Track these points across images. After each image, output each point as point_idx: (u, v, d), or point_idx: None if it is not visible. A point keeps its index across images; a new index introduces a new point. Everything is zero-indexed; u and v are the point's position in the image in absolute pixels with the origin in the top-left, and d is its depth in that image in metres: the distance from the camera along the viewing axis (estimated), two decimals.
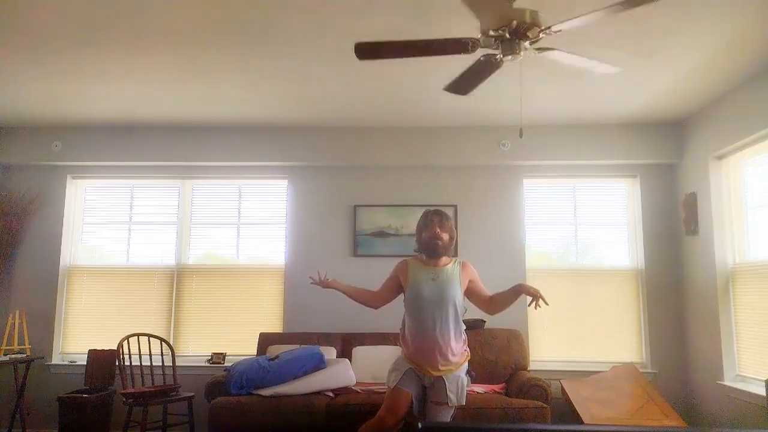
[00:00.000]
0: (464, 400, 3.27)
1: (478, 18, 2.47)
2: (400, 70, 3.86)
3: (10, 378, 4.98)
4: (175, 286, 5.23)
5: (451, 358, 3.22)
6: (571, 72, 3.89)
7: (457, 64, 2.98)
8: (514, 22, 2.48)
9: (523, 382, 4.19)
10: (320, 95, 4.38)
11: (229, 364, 4.86)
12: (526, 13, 2.50)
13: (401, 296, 3.47)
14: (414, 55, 2.52)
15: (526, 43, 2.60)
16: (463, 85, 3.08)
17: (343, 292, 3.47)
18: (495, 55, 2.73)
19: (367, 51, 2.65)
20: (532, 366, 4.96)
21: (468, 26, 3.17)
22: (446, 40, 2.48)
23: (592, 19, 2.45)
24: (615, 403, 4.33)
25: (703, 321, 4.62)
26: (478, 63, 2.82)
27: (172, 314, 5.20)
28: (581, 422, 4.19)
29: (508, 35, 2.54)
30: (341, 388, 4.33)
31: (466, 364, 3.33)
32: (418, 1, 2.96)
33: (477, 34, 2.58)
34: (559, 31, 2.56)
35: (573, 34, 3.30)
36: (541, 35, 2.60)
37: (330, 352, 4.71)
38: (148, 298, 5.23)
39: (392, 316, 5.11)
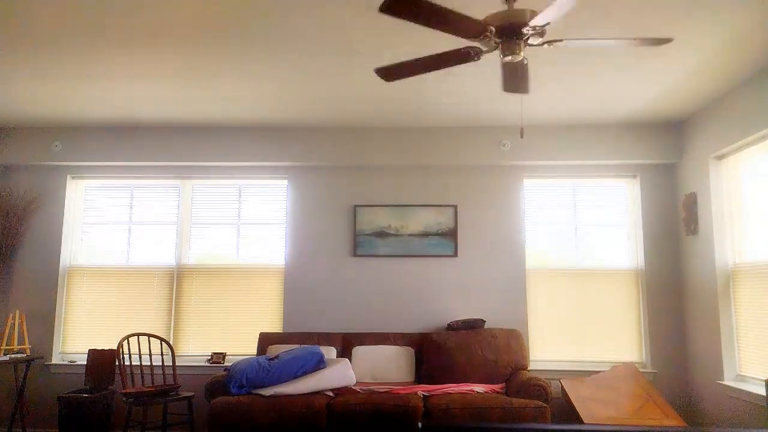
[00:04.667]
0: None
1: (456, 35, 2.52)
2: None
3: (10, 378, 4.99)
4: (175, 286, 5.23)
5: None
6: (571, 72, 3.90)
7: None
8: (511, 23, 2.49)
9: (523, 382, 4.19)
10: (320, 95, 4.38)
11: (229, 364, 4.87)
12: (526, 13, 2.50)
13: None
14: (429, 21, 2.51)
15: (531, 40, 2.61)
16: (400, 71, 2.93)
17: None
18: (480, 50, 2.73)
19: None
20: (532, 366, 4.98)
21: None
22: (465, 17, 2.48)
23: (593, 44, 2.47)
24: (615, 403, 4.33)
25: (703, 321, 4.62)
26: (455, 51, 2.80)
27: (172, 314, 5.20)
28: (581, 422, 4.19)
29: (526, 36, 2.54)
30: (341, 388, 4.33)
31: None
32: None
33: (477, 34, 2.58)
34: (561, 40, 2.57)
35: (574, 35, 3.31)
36: (545, 45, 2.62)
37: (330, 352, 4.72)
38: (148, 298, 5.23)
39: (392, 316, 5.14)
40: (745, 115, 4.03)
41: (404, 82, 4.10)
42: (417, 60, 2.82)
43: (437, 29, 2.49)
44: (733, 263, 4.37)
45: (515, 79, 3.01)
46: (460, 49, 2.74)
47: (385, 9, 2.33)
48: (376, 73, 2.92)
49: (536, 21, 2.45)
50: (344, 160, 5.18)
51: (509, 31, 2.55)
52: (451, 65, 2.84)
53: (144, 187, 5.41)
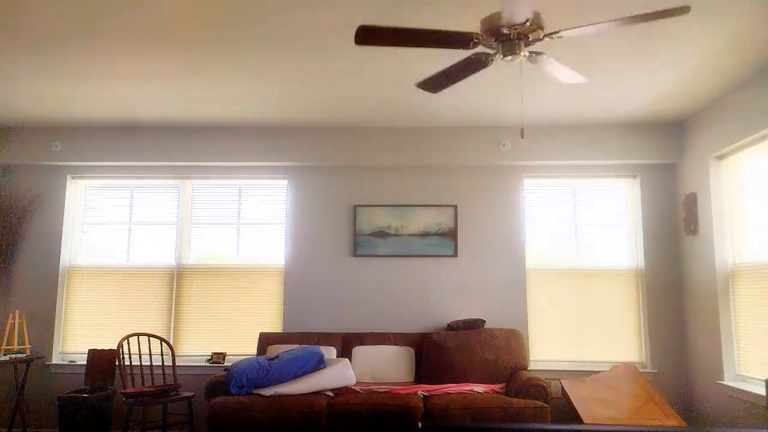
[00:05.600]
0: None
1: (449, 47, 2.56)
2: (401, 70, 3.86)
3: (10, 378, 4.99)
4: (175, 286, 5.23)
5: None
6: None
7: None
8: (516, 25, 2.49)
9: (523, 382, 4.19)
10: (320, 95, 4.38)
11: (229, 364, 4.87)
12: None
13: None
14: (413, 45, 2.52)
15: (524, 47, 2.62)
16: (439, 82, 3.08)
17: None
18: (489, 54, 2.73)
19: (367, 35, 2.57)
20: (532, 366, 4.98)
21: (471, 24, 3.19)
22: (449, 32, 2.48)
23: (595, 30, 2.46)
24: (615, 403, 4.33)
25: (703, 321, 4.62)
26: (467, 60, 2.82)
27: (172, 314, 5.20)
28: (581, 422, 4.19)
29: (510, 36, 2.54)
30: (341, 388, 4.33)
31: None
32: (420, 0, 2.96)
33: (467, 43, 2.59)
34: (561, 36, 2.57)
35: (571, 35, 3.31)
36: (545, 38, 2.62)
37: (330, 352, 4.72)
38: (148, 298, 5.23)
39: (392, 316, 5.14)
40: (745, 115, 4.03)
41: (405, 82, 4.10)
42: (445, 71, 2.94)
43: (424, 47, 2.52)
44: (733, 263, 4.37)
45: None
46: (471, 56, 2.77)
47: (360, 41, 2.34)
48: (420, 87, 3.06)
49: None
50: (344, 160, 5.18)
51: (502, 34, 2.55)
52: (472, 73, 2.92)
53: (144, 187, 5.41)
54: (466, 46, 2.60)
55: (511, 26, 2.50)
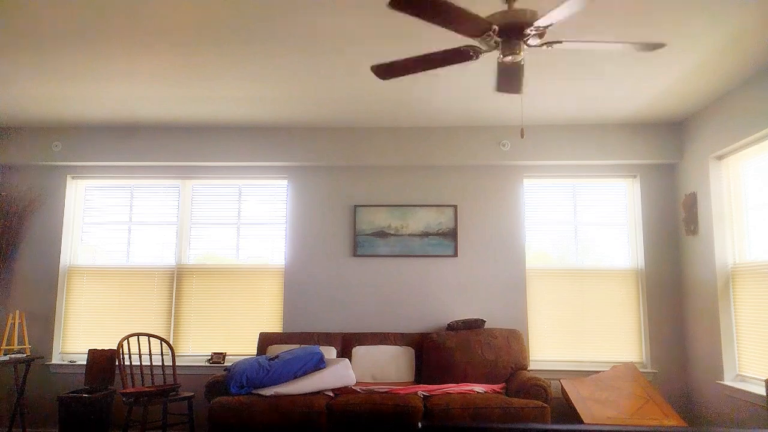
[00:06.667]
0: None
1: (457, 31, 2.50)
2: None
3: (10, 378, 4.99)
4: (175, 286, 5.23)
5: None
6: (571, 72, 3.90)
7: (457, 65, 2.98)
8: (514, 23, 2.49)
9: (523, 382, 4.19)
10: (320, 95, 4.38)
11: (229, 364, 4.88)
12: (528, 13, 2.50)
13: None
14: (437, 19, 2.48)
15: (531, 41, 2.61)
16: (401, 69, 2.89)
17: None
18: (480, 49, 2.72)
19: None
20: (532, 366, 4.98)
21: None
22: (471, 14, 2.47)
23: (591, 47, 2.47)
24: (615, 403, 4.33)
25: (703, 321, 4.62)
26: (454, 50, 2.78)
27: (172, 314, 5.20)
28: (581, 422, 4.19)
29: (526, 35, 2.55)
30: (341, 388, 4.33)
31: None
32: None
33: (480, 32, 2.57)
34: (560, 42, 2.58)
35: (573, 35, 3.31)
36: (544, 46, 2.62)
37: (330, 352, 4.72)
38: (148, 298, 5.23)
39: (392, 316, 5.14)
40: (745, 115, 4.03)
41: (405, 82, 4.10)
42: (415, 58, 2.80)
43: (441, 26, 2.48)
44: (733, 263, 4.37)
45: (510, 79, 3.01)
46: (460, 48, 2.74)
47: (394, 5, 2.32)
48: (373, 71, 2.90)
49: (541, 22, 2.45)
50: (344, 160, 5.18)
51: (511, 31, 2.55)
52: (450, 64, 2.83)
53: (144, 187, 5.41)
54: (477, 35, 2.57)
55: (537, 27, 2.50)
